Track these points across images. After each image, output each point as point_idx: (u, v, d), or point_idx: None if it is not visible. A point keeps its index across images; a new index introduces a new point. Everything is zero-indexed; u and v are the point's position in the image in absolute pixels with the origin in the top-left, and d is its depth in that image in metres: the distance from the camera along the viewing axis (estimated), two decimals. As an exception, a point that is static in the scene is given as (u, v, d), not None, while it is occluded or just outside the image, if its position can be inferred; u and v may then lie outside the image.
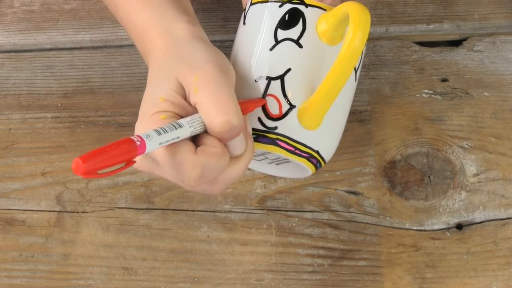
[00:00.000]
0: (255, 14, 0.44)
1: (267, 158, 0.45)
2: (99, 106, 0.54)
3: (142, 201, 0.51)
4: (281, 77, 0.41)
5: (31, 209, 0.51)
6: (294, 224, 0.49)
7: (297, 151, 0.41)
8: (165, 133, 0.35)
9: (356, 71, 0.44)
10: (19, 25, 0.59)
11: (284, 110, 0.41)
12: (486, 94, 0.52)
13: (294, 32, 0.42)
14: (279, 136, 0.41)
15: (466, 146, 0.50)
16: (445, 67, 0.54)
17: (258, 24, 0.43)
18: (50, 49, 0.58)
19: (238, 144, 0.38)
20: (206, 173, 0.36)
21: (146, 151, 0.34)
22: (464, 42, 0.55)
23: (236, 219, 0.50)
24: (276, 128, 0.41)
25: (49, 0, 0.60)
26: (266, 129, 0.41)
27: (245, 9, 0.45)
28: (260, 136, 0.41)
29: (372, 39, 0.55)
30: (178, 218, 0.50)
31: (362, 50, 0.39)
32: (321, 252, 0.48)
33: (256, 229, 0.49)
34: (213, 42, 0.57)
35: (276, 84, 0.41)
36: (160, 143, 0.35)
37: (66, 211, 0.51)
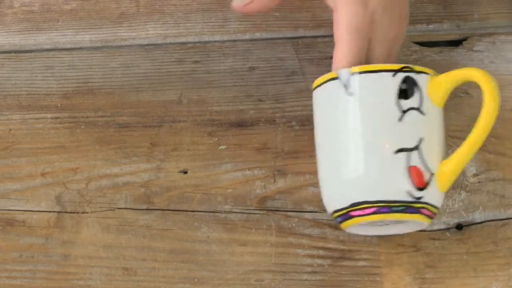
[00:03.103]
0: (368, 84, 0.44)
1: (377, 225, 0.46)
2: (99, 107, 0.54)
3: (142, 201, 0.51)
4: (417, 147, 0.43)
5: (31, 210, 0.51)
6: (294, 225, 0.49)
7: (431, 215, 0.44)
8: None
9: None
10: (19, 26, 0.59)
11: (426, 180, 0.43)
12: (486, 94, 0.52)
13: (415, 101, 0.43)
14: (424, 204, 0.43)
15: (466, 146, 0.50)
16: (445, 67, 0.53)
17: (376, 95, 0.44)
18: (50, 50, 0.58)
19: None
20: None
21: None
22: (464, 42, 0.55)
23: (236, 220, 0.50)
24: (421, 197, 0.42)
25: (49, 1, 0.60)
26: (414, 200, 0.42)
27: (338, 78, 0.44)
28: (407, 207, 0.42)
29: (372, 39, 0.55)
30: (178, 218, 0.50)
31: (495, 118, 0.42)
32: (321, 252, 0.48)
33: (256, 229, 0.49)
34: (213, 42, 0.57)
35: (415, 155, 0.43)
36: None
37: (66, 212, 0.51)
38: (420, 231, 0.48)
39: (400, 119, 0.43)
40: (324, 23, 0.56)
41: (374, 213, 0.43)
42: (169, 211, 0.50)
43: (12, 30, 0.59)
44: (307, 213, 0.49)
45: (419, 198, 0.42)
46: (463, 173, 0.50)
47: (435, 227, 0.48)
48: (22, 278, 0.49)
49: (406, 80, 0.43)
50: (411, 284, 0.47)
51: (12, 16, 0.59)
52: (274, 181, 0.50)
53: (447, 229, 0.48)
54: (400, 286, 0.47)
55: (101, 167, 0.52)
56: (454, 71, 0.44)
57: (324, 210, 0.49)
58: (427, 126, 0.44)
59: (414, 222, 0.44)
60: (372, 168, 0.43)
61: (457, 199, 0.49)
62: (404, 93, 0.43)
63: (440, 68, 0.53)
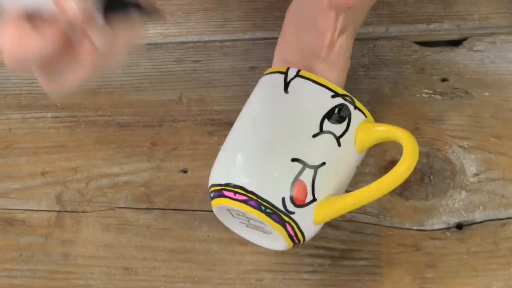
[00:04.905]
0: (304, 91, 0.43)
1: (246, 221, 0.44)
2: (99, 106, 0.54)
3: (142, 201, 0.51)
4: (315, 168, 0.42)
5: (31, 209, 0.51)
6: (294, 224, 0.49)
7: (295, 238, 0.42)
8: None
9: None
10: (19, 25, 0.59)
11: (307, 201, 0.41)
12: (486, 94, 0.52)
13: (338, 129, 0.42)
14: (291, 221, 0.41)
15: (466, 146, 0.50)
16: (445, 67, 0.54)
17: (306, 105, 0.43)
18: (50, 49, 0.58)
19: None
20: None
21: None
22: (464, 42, 0.55)
23: (236, 219, 0.49)
24: (293, 213, 0.41)
25: (49, 0, 0.60)
26: (285, 211, 0.41)
27: (286, 73, 0.44)
28: (275, 214, 0.41)
29: (372, 39, 0.55)
30: (178, 218, 0.50)
31: (405, 179, 0.40)
32: (321, 252, 0.48)
33: (256, 229, 0.49)
34: (213, 42, 0.57)
35: (309, 173, 0.41)
36: None
37: (66, 211, 0.51)
38: (421, 230, 0.48)
39: (315, 135, 0.42)
40: (324, 23, 0.56)
41: (243, 201, 0.42)
42: (169, 211, 0.50)
43: (12, 30, 0.59)
44: (307, 213, 0.49)
45: (291, 212, 0.41)
46: (463, 173, 0.50)
47: (435, 227, 0.48)
48: (22, 277, 0.49)
49: (341, 107, 0.43)
50: (411, 283, 0.47)
51: (12, 16, 0.59)
52: (274, 181, 0.50)
53: (447, 228, 0.48)
54: (400, 286, 0.47)
55: (101, 167, 0.52)
56: (386, 128, 0.43)
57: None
58: (336, 157, 0.42)
59: (275, 237, 0.43)
60: (266, 162, 0.42)
61: (457, 198, 0.49)
62: (333, 118, 0.43)
63: (441, 68, 0.54)
